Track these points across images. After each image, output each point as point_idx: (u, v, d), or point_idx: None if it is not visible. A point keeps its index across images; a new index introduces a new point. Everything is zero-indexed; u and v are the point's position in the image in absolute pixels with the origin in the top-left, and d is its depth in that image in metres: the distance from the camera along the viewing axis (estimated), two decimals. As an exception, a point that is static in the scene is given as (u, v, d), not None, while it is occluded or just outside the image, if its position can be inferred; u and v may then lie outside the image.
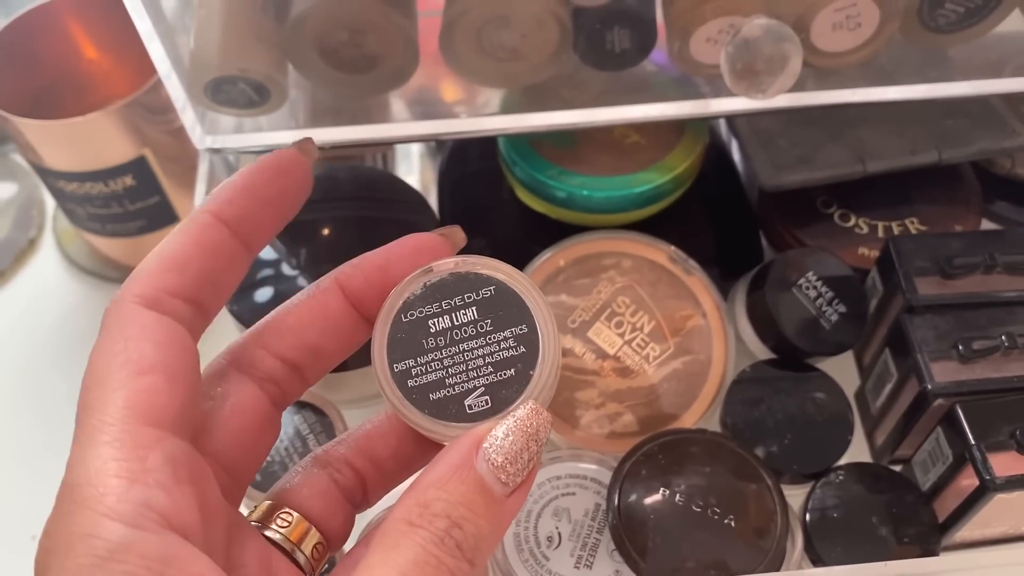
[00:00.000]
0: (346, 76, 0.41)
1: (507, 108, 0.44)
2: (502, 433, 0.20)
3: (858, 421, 0.44)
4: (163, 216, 0.57)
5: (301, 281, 0.43)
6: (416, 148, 0.62)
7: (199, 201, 0.43)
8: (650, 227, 0.46)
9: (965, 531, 0.39)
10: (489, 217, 0.49)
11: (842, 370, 0.45)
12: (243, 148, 0.43)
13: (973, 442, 0.36)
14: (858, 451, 0.43)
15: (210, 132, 0.43)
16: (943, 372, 0.38)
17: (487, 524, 0.19)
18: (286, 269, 0.44)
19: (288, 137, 0.43)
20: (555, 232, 0.46)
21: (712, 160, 0.50)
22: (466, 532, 0.18)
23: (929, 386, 0.37)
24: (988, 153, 0.44)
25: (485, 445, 0.19)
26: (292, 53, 0.40)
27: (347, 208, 0.44)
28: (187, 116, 0.42)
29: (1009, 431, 0.36)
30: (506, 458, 0.19)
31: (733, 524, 0.37)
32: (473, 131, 0.43)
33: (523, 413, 0.20)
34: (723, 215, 0.50)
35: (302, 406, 0.42)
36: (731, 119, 0.46)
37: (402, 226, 0.43)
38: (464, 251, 0.48)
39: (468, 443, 0.20)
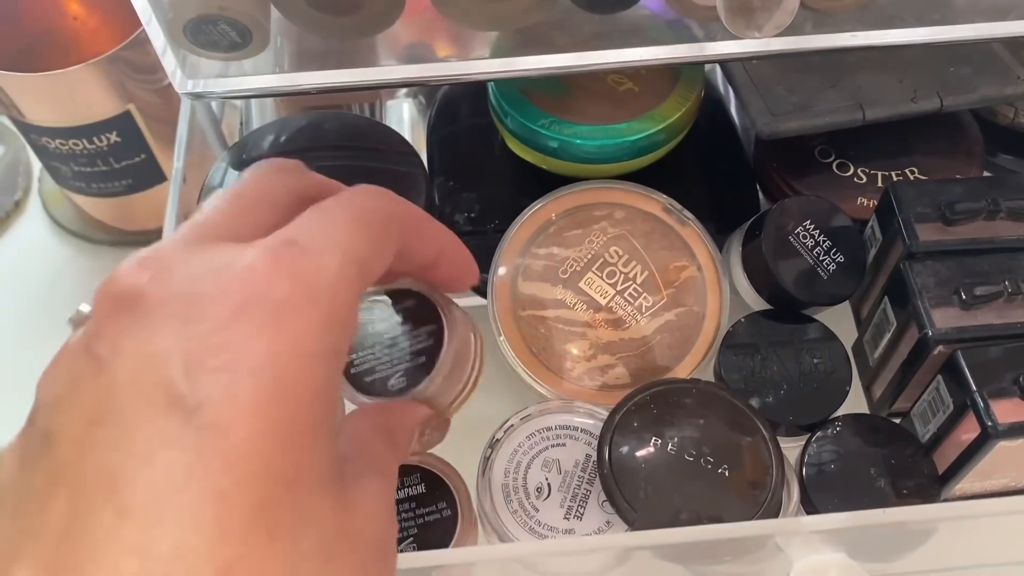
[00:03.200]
0: (330, 17, 0.39)
1: (497, 55, 0.43)
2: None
3: (856, 376, 0.43)
4: (150, 175, 0.56)
5: None
6: (407, 111, 0.61)
7: (180, 150, 0.42)
8: (645, 179, 0.45)
9: (966, 483, 0.38)
10: (479, 172, 0.48)
11: (840, 324, 0.44)
12: (227, 93, 0.42)
13: (975, 388, 0.35)
14: (856, 406, 0.42)
15: (192, 77, 0.41)
16: (944, 318, 0.37)
17: (400, 460, 0.26)
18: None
19: (273, 82, 0.42)
20: (547, 186, 0.45)
21: (708, 114, 0.48)
22: (396, 462, 0.26)
23: (930, 332, 0.36)
24: (991, 100, 0.43)
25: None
26: (275, -7, 0.39)
27: (334, 158, 0.43)
28: (168, 60, 0.41)
29: (1012, 377, 0.35)
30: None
31: (727, 474, 0.36)
32: (462, 74, 0.42)
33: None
34: (719, 168, 0.48)
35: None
36: (727, 67, 0.45)
37: (390, 176, 0.42)
38: (455, 202, 0.47)
39: (421, 414, 0.28)
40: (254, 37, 0.39)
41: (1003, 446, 0.35)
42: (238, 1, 0.38)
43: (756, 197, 0.47)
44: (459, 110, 0.50)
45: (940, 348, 0.37)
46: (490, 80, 0.44)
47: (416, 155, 0.43)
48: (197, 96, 0.43)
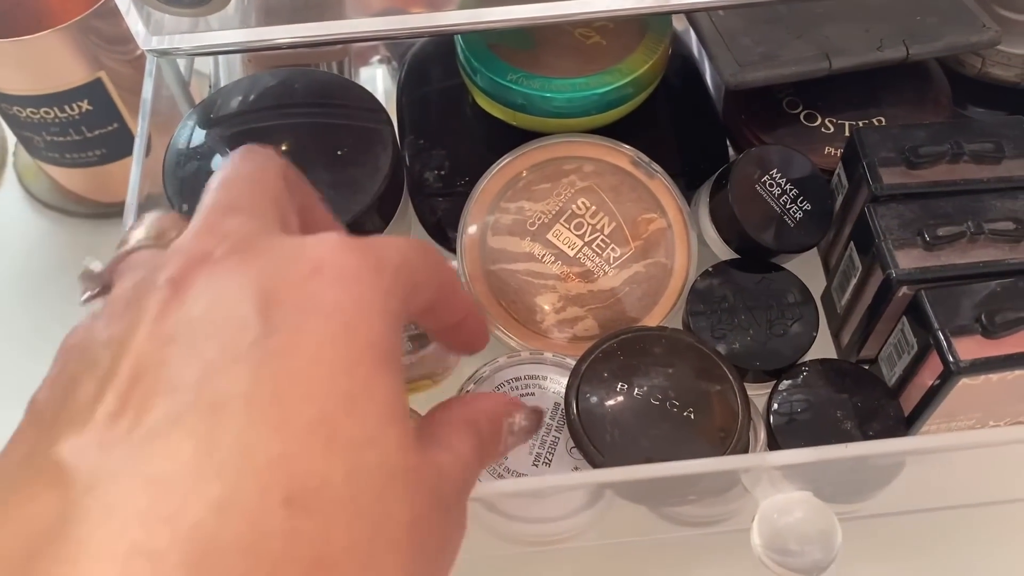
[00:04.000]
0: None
1: (465, 7, 0.43)
2: (524, 420, 0.25)
3: (825, 324, 0.43)
4: (124, 144, 0.56)
5: None
6: (381, 78, 0.60)
7: (145, 108, 0.42)
8: (615, 133, 0.45)
9: (931, 424, 0.38)
10: (449, 130, 0.48)
11: (810, 275, 0.44)
12: (193, 49, 0.42)
13: (938, 327, 0.35)
14: (825, 353, 0.43)
15: (156, 34, 0.41)
16: (908, 259, 0.37)
17: (491, 460, 0.25)
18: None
19: (240, 37, 0.42)
20: (517, 142, 0.45)
21: (677, 67, 0.49)
22: (486, 458, 0.24)
23: (893, 273, 0.36)
24: (956, 48, 0.43)
25: (515, 420, 0.25)
26: (236, -53, 0.39)
27: (302, 115, 0.43)
28: (131, 18, 0.40)
29: (974, 315, 0.35)
30: (515, 434, 0.25)
31: (693, 417, 0.36)
32: (428, 27, 0.41)
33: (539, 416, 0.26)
34: (689, 121, 0.48)
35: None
36: (694, 19, 0.45)
37: (357, 132, 0.42)
38: (424, 160, 0.47)
39: (507, 404, 0.25)
40: (217, -8, 0.39)
41: (966, 384, 0.35)
42: (200, -45, 0.38)
43: (725, 149, 0.48)
44: (429, 70, 0.50)
45: (904, 289, 0.37)
46: (457, 33, 0.44)
47: (383, 111, 0.43)
48: (163, 53, 0.43)
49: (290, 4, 0.44)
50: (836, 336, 0.43)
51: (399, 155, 0.43)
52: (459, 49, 0.45)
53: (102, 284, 0.23)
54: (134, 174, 0.40)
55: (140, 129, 0.41)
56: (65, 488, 0.16)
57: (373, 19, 0.42)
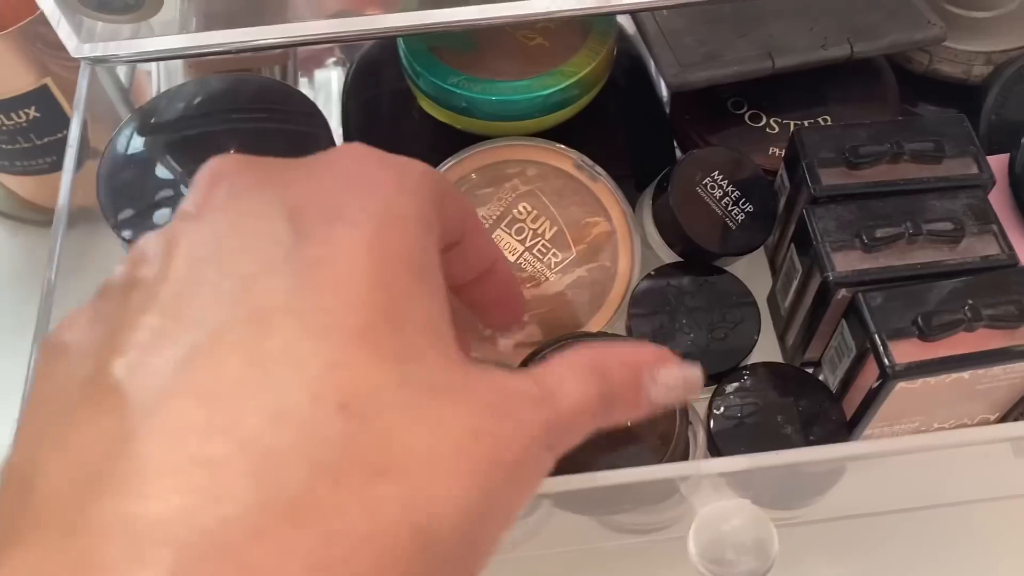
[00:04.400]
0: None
1: (407, 10, 0.42)
2: (673, 372, 0.23)
3: (771, 325, 0.43)
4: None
5: None
6: (336, 80, 0.60)
7: (78, 115, 0.42)
8: (561, 135, 0.44)
9: (873, 428, 0.38)
10: (395, 134, 0.47)
11: (758, 276, 0.44)
12: (130, 56, 0.41)
13: (875, 330, 0.34)
14: (770, 355, 0.42)
15: (88, 42, 0.41)
16: (845, 262, 0.36)
17: (624, 413, 0.22)
18: (184, 189, 0.42)
19: (179, 43, 0.41)
20: (463, 146, 0.44)
21: (625, 67, 0.48)
22: (616, 410, 0.22)
23: (830, 276, 0.36)
24: (901, 46, 0.43)
25: (660, 370, 0.23)
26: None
27: (237, 120, 0.42)
28: (61, 27, 0.40)
29: (911, 318, 0.35)
30: (662, 386, 0.23)
31: (629, 424, 0.35)
32: (368, 30, 0.41)
33: (691, 372, 0.24)
34: (636, 122, 0.48)
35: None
36: (638, 19, 0.45)
37: (293, 136, 0.42)
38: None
39: (649, 354, 0.23)
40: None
41: (904, 388, 0.35)
42: (127, -40, 0.38)
43: (672, 151, 0.47)
44: (375, 73, 0.49)
45: (843, 292, 0.36)
46: (397, 36, 0.44)
47: (320, 115, 0.42)
48: (98, 61, 0.42)
49: (230, 8, 0.43)
50: (781, 338, 0.42)
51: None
52: (401, 53, 0.45)
53: None
54: (64, 182, 0.39)
55: (71, 138, 0.40)
56: (122, 409, 0.16)
57: (310, 23, 0.41)
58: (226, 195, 0.19)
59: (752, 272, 0.44)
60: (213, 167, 0.21)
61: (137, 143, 0.42)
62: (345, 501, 0.16)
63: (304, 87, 0.60)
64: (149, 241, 0.20)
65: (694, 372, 0.24)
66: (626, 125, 0.48)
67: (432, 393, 0.18)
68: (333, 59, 0.60)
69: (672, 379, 0.23)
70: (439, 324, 0.19)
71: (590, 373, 0.21)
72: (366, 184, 0.19)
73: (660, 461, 0.35)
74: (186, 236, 0.19)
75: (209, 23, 0.43)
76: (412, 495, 0.16)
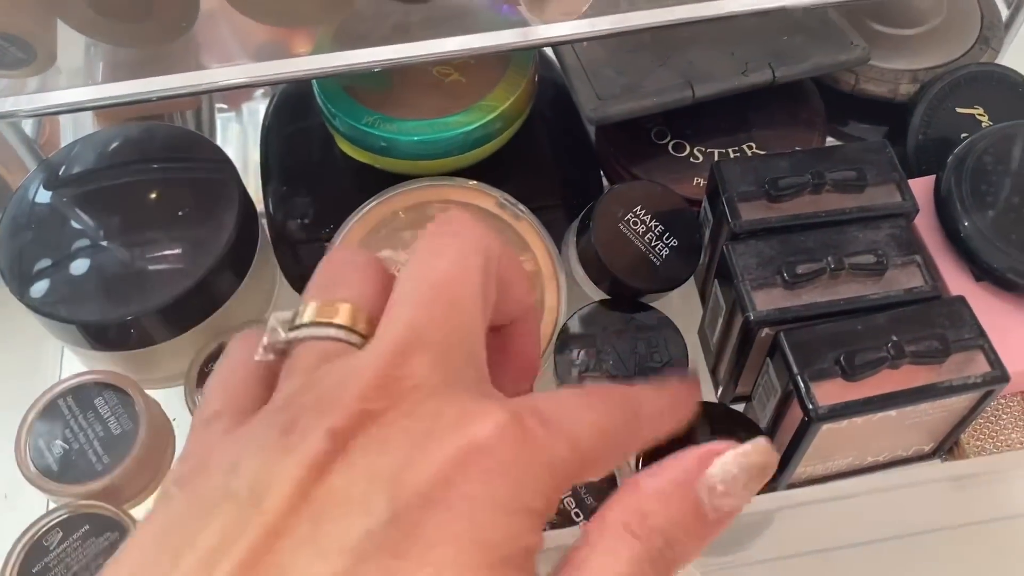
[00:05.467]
0: (120, 24, 0.37)
1: (318, 52, 0.41)
2: (731, 463, 0.19)
3: (704, 359, 0.42)
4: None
5: (115, 250, 0.40)
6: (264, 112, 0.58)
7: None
8: (487, 171, 0.43)
9: (806, 466, 0.37)
10: (316, 175, 0.46)
11: (691, 306, 0.43)
12: (33, 110, 0.40)
13: (797, 371, 0.34)
14: (703, 389, 0.41)
15: (-11, 97, 0.39)
16: (767, 300, 0.35)
17: (693, 546, 0.18)
18: (97, 239, 0.41)
19: (84, 95, 0.40)
20: (385, 187, 0.43)
21: (550, 99, 0.47)
22: (676, 553, 0.18)
23: (751, 315, 0.35)
24: (824, 68, 0.42)
25: (712, 471, 0.19)
26: (57, 3, 0.37)
27: (144, 171, 0.41)
28: (-46, 82, 0.38)
29: (834, 357, 0.34)
30: (727, 488, 0.19)
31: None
32: (279, 75, 0.40)
33: (753, 448, 0.19)
34: (564, 155, 0.47)
35: (103, 387, 0.39)
36: (559, 51, 0.44)
37: (201, 185, 0.40)
38: (288, 208, 0.46)
39: (693, 461, 0.19)
40: (38, 52, 0.37)
41: (830, 428, 0.34)
42: (14, 16, 0.36)
43: (600, 184, 0.46)
44: (295, 111, 0.48)
45: (766, 331, 0.35)
46: (306, 79, 0.42)
47: (228, 161, 0.41)
48: (1, 116, 0.40)
49: (137, 57, 0.42)
50: (713, 373, 0.41)
51: (247, 209, 0.41)
52: (316, 94, 0.43)
53: (277, 354, 0.21)
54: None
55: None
56: None
57: (217, 70, 0.40)
58: (362, 450, 0.18)
59: (686, 303, 0.44)
60: (367, 398, 0.18)
61: (42, 198, 0.41)
62: None
63: (231, 121, 0.58)
64: (275, 423, 0.18)
65: (763, 447, 0.19)
66: (554, 157, 0.47)
67: None
68: (261, 91, 0.58)
69: (738, 472, 0.19)
70: None
71: (621, 538, 0.18)
72: (488, 467, 0.18)
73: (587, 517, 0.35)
74: (307, 465, 0.18)
75: (116, 73, 0.41)
76: None
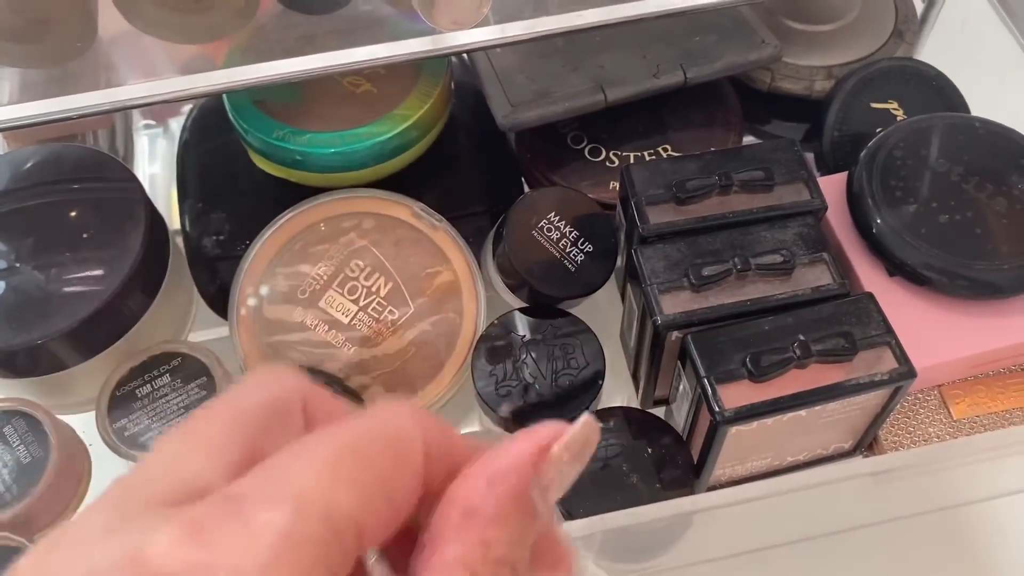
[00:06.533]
0: (15, 46, 0.37)
1: (227, 67, 0.40)
2: (564, 457, 0.17)
3: (625, 362, 0.42)
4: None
5: (22, 274, 0.39)
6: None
7: None
8: (407, 180, 0.43)
9: (722, 468, 0.37)
10: (232, 191, 0.45)
11: (613, 309, 0.43)
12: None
13: (704, 374, 0.33)
14: (625, 392, 0.41)
15: None
16: (674, 303, 0.35)
17: (526, 548, 0.17)
18: (11, 262, 0.40)
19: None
20: (304, 199, 0.42)
21: (470, 105, 0.47)
22: (520, 566, 0.16)
23: (658, 319, 0.35)
24: (736, 67, 0.42)
25: (548, 473, 0.17)
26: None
27: (48, 193, 0.40)
28: None
29: (741, 359, 0.34)
30: (561, 482, 0.17)
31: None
32: (187, 90, 0.39)
33: (581, 428, 0.17)
34: (484, 161, 0.47)
35: (11, 415, 0.38)
36: (472, 58, 0.43)
37: (107, 205, 0.40)
38: (203, 224, 0.45)
39: (526, 466, 0.17)
40: (-70, 76, 0.37)
41: (740, 431, 0.34)
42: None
43: (522, 190, 0.46)
44: (212, 127, 0.47)
45: (675, 334, 0.35)
46: (215, 93, 0.42)
47: (135, 180, 0.40)
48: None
49: (44, 77, 0.41)
50: (634, 376, 0.41)
51: (156, 228, 0.40)
52: (228, 110, 0.43)
53: None
54: None
55: None
56: None
57: (126, 88, 0.39)
58: None
59: (612, 306, 0.43)
60: None
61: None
62: None
63: (159, 137, 0.58)
64: None
65: (588, 429, 0.17)
66: (477, 164, 0.47)
67: None
68: (189, 106, 0.58)
69: (566, 459, 0.17)
70: None
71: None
72: None
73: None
74: None
75: (23, 94, 0.40)
76: None
